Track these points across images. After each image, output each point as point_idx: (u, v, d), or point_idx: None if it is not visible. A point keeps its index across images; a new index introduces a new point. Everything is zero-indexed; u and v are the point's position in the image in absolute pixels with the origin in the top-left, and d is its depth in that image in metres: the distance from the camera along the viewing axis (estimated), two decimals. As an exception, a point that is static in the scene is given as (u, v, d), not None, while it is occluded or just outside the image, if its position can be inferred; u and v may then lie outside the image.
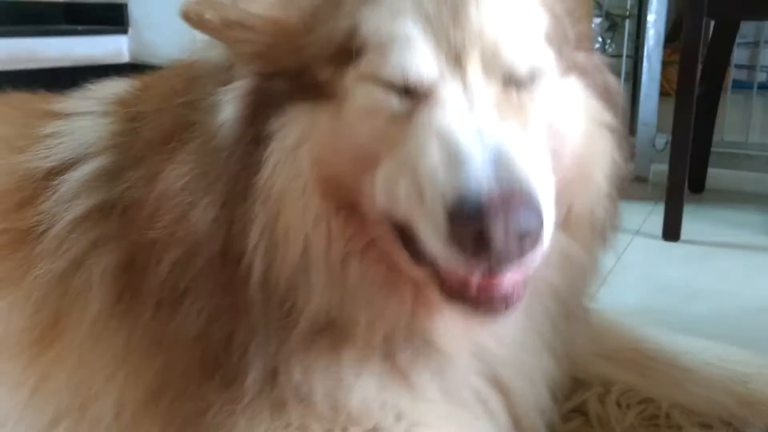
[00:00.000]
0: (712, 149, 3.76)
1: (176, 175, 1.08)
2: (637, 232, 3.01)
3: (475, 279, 0.92)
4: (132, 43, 4.90)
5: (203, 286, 1.07)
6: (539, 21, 1.03)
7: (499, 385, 1.17)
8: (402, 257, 1.02)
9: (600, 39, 4.46)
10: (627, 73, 4.41)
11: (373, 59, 0.98)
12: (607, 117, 1.15)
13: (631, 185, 3.99)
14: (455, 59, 0.96)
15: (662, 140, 3.95)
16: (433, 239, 0.89)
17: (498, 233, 0.83)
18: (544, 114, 1.01)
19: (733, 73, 4.66)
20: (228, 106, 1.06)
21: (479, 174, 0.85)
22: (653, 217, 3.04)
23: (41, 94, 1.50)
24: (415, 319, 1.08)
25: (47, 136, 1.30)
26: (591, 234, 1.18)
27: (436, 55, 0.96)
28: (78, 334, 1.18)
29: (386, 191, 0.96)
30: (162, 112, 1.20)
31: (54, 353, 1.19)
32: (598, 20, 4.51)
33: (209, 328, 1.07)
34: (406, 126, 0.95)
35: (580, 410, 1.47)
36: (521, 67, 0.98)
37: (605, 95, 1.16)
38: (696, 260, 2.71)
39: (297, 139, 1.01)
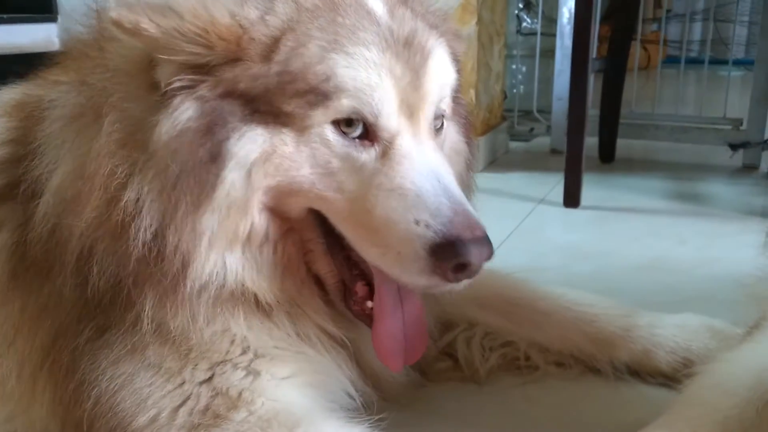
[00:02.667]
0: (622, 120, 3.98)
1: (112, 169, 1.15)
2: (542, 201, 3.21)
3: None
4: (62, 31, 4.89)
5: (106, 260, 1.18)
6: (453, 79, 1.31)
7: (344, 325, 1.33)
8: (324, 264, 1.27)
9: (516, 17, 4.63)
10: (547, 50, 4.60)
11: (347, 104, 1.14)
12: (463, 147, 1.45)
13: (547, 157, 4.24)
14: (410, 116, 1.20)
15: (577, 114, 4.15)
16: (411, 275, 1.13)
17: (477, 261, 1.11)
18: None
19: (667, 50, 4.88)
20: (171, 120, 1.12)
21: (455, 220, 1.11)
22: (560, 186, 3.23)
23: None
24: (296, 296, 1.28)
25: None
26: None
27: (401, 111, 1.18)
28: None
29: (352, 230, 1.19)
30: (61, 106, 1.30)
31: None
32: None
33: (93, 289, 1.19)
34: (371, 170, 1.17)
35: (448, 353, 1.65)
36: (443, 115, 1.29)
37: (465, 131, 1.46)
38: (591, 224, 2.92)
39: (256, 160, 1.15)
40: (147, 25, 1.09)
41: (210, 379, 1.23)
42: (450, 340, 1.63)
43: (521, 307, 1.66)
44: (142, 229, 1.12)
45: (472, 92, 3.63)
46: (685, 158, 4.12)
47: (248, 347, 1.26)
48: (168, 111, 1.13)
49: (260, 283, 1.23)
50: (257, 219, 1.19)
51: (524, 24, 4.68)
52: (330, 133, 1.16)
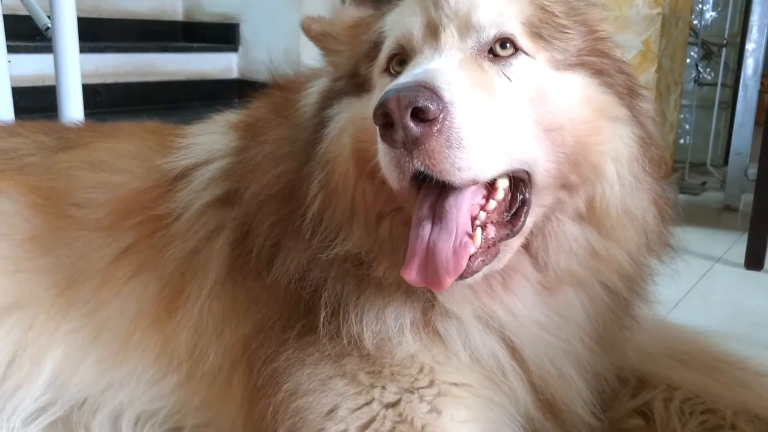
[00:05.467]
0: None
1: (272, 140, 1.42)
2: (719, 260, 3.03)
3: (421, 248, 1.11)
4: (241, 61, 5.19)
5: (292, 238, 1.31)
6: (517, 7, 1.21)
7: (515, 354, 1.28)
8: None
9: (695, 66, 4.47)
10: (722, 101, 4.41)
11: (386, 45, 1.24)
12: (623, 113, 1.24)
13: (720, 214, 3.98)
14: (433, 34, 1.19)
15: (755, 170, 3.91)
16: (382, 155, 1.10)
17: (391, 103, 0.99)
18: (518, 87, 1.16)
19: None
20: (311, 98, 1.41)
21: (399, 80, 1.06)
22: (738, 246, 3.07)
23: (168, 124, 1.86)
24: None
25: (182, 147, 1.62)
26: (622, 233, 1.26)
27: (421, 30, 1.20)
28: (197, 301, 1.43)
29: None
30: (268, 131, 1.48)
31: (177, 319, 1.44)
32: (694, 48, 4.53)
33: (295, 281, 1.29)
34: None
35: (642, 411, 1.55)
36: (488, 34, 1.18)
37: (626, 95, 1.26)
38: (776, 290, 2.72)
39: (344, 123, 1.29)
40: (314, 27, 1.46)
41: (397, 403, 1.25)
42: (647, 399, 1.55)
43: (729, 365, 1.56)
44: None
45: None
46: None
47: (434, 381, 1.27)
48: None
49: (376, 254, 1.27)
50: (357, 180, 1.28)
51: (702, 74, 4.50)
52: (380, 86, 1.22)
